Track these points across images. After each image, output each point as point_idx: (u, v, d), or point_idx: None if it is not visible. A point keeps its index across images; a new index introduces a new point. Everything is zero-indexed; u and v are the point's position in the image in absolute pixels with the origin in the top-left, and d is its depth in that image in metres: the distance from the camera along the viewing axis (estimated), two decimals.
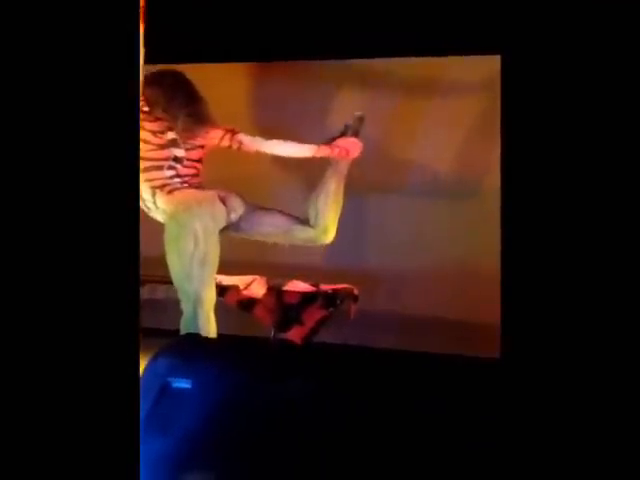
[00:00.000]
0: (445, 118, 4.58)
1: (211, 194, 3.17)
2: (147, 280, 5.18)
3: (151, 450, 1.40)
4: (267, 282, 3.89)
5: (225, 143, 3.26)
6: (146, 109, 3.16)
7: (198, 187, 3.25)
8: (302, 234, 3.37)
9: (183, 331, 2.99)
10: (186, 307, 3.02)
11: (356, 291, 3.90)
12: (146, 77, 3.23)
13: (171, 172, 3.17)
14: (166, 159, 3.16)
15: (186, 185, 3.18)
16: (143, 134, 3.13)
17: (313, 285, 3.95)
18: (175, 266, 3.05)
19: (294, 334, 3.80)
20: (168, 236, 3.09)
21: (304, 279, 3.99)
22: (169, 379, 1.48)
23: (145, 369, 1.49)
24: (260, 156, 3.22)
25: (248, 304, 3.85)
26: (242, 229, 3.32)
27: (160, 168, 3.16)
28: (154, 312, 5.16)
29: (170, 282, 4.56)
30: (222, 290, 3.66)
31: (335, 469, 1.31)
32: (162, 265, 3.22)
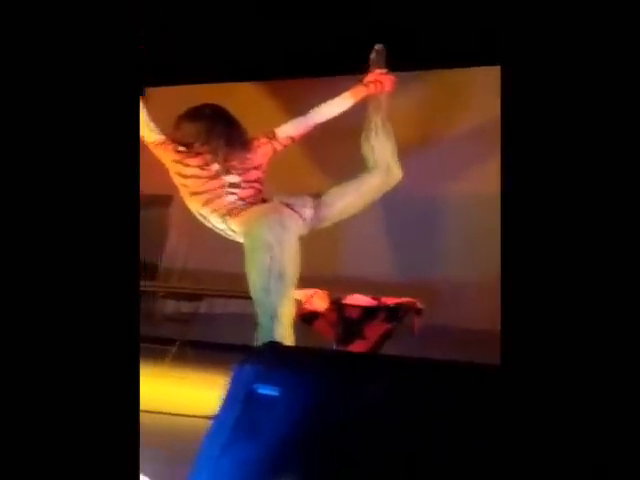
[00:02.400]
0: None
1: (274, 203, 3.12)
2: (205, 294, 5.18)
3: (239, 455, 1.35)
4: (329, 296, 3.83)
5: (278, 148, 3.25)
6: (181, 149, 3.16)
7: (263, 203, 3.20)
8: (370, 182, 3.24)
9: (260, 343, 2.91)
10: (263, 320, 2.93)
11: (419, 304, 3.81)
12: (183, 114, 3.24)
13: (232, 197, 3.15)
14: (222, 187, 3.15)
15: (249, 205, 3.15)
16: (189, 170, 3.14)
17: (374, 299, 3.87)
18: (253, 279, 2.98)
19: (357, 348, 3.73)
20: (246, 252, 3.05)
21: (365, 292, 3.92)
22: (255, 386, 1.43)
23: (232, 376, 1.45)
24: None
25: (310, 318, 3.80)
26: (324, 217, 3.20)
27: (220, 196, 3.15)
28: (210, 325, 5.17)
29: (230, 296, 4.56)
30: None
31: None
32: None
